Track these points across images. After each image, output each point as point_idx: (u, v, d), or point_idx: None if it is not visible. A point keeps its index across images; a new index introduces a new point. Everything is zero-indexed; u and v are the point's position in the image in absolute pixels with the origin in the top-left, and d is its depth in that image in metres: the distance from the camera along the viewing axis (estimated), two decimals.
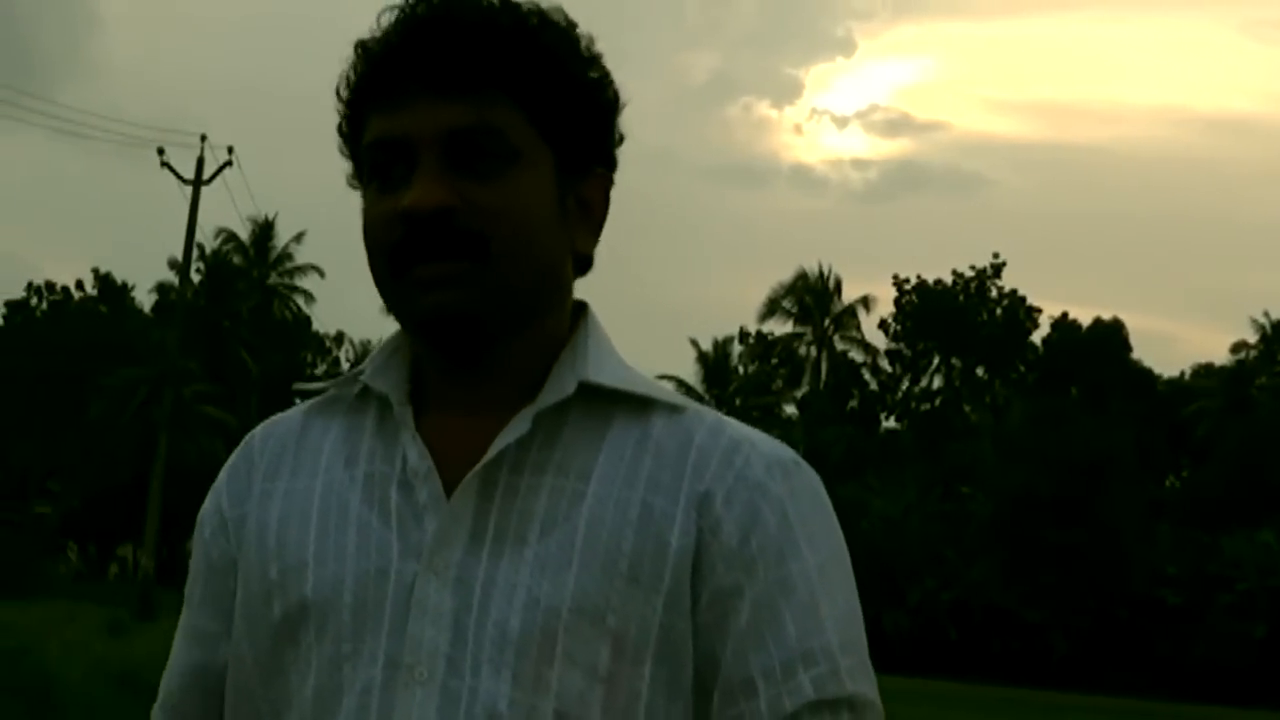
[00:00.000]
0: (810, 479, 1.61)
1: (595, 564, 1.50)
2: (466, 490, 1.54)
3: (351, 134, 1.60)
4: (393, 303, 1.57)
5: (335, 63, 1.60)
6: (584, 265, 1.67)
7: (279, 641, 1.57)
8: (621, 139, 1.66)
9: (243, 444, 1.73)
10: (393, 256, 1.53)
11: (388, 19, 1.57)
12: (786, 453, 1.62)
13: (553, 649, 1.48)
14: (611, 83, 1.63)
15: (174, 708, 1.71)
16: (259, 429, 1.73)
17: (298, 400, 1.77)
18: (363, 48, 1.57)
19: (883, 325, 71.95)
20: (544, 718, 1.47)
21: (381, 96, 1.55)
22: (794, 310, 69.55)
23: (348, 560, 1.55)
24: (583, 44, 1.61)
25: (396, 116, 1.53)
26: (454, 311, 1.52)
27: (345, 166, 1.62)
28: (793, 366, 70.70)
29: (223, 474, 1.72)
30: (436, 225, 1.50)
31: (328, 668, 1.53)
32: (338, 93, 1.60)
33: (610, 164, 1.66)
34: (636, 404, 1.61)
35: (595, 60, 1.62)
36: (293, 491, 1.63)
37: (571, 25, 1.60)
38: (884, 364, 72.17)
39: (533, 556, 1.51)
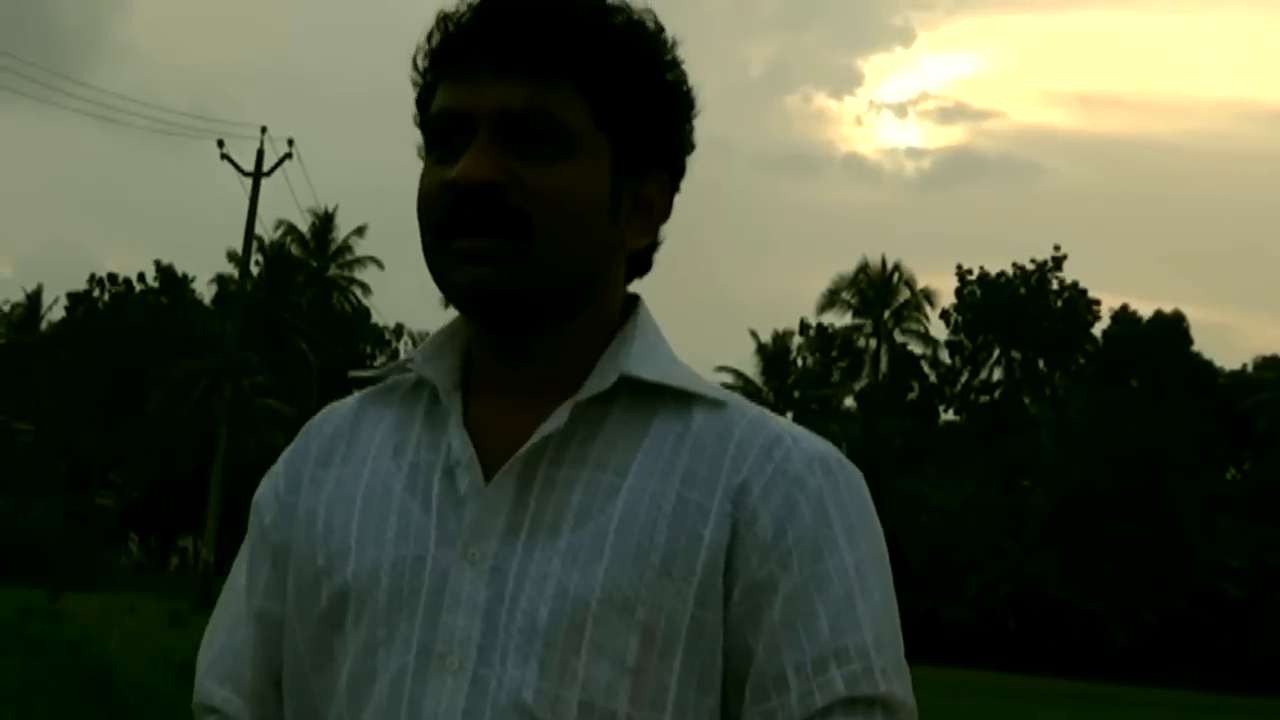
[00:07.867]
0: (852, 476, 1.60)
1: (627, 556, 1.50)
2: (503, 481, 1.54)
3: (423, 103, 1.61)
4: (435, 272, 1.57)
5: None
6: (640, 265, 1.67)
7: (326, 628, 1.58)
8: (692, 147, 1.65)
9: (302, 431, 1.74)
10: (437, 226, 1.54)
11: None
12: (829, 449, 1.60)
13: (580, 639, 1.48)
14: (689, 91, 1.63)
15: (249, 691, 1.66)
16: (318, 416, 1.74)
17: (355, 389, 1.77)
18: (442, 18, 1.58)
19: (944, 316, 71.66)
20: (569, 708, 1.47)
21: (450, 68, 1.56)
22: (854, 302, 69.37)
23: (386, 546, 1.56)
24: (666, 48, 1.60)
25: (460, 89, 1.54)
26: (489, 288, 1.52)
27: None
28: (852, 358, 70.52)
29: (281, 459, 1.73)
30: (482, 199, 1.51)
31: (363, 653, 1.54)
32: (414, 61, 1.61)
33: (675, 169, 1.65)
34: (679, 398, 1.60)
35: (674, 65, 1.61)
36: (343, 478, 1.64)
37: (659, 29, 1.60)
38: (943, 356, 71.92)
39: (565, 547, 1.51)
